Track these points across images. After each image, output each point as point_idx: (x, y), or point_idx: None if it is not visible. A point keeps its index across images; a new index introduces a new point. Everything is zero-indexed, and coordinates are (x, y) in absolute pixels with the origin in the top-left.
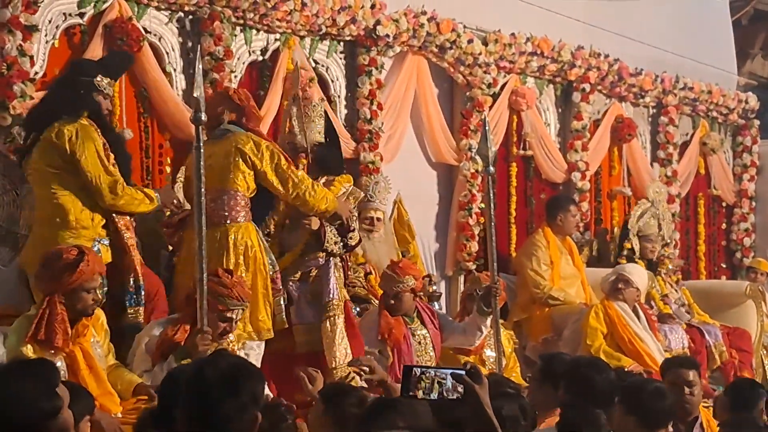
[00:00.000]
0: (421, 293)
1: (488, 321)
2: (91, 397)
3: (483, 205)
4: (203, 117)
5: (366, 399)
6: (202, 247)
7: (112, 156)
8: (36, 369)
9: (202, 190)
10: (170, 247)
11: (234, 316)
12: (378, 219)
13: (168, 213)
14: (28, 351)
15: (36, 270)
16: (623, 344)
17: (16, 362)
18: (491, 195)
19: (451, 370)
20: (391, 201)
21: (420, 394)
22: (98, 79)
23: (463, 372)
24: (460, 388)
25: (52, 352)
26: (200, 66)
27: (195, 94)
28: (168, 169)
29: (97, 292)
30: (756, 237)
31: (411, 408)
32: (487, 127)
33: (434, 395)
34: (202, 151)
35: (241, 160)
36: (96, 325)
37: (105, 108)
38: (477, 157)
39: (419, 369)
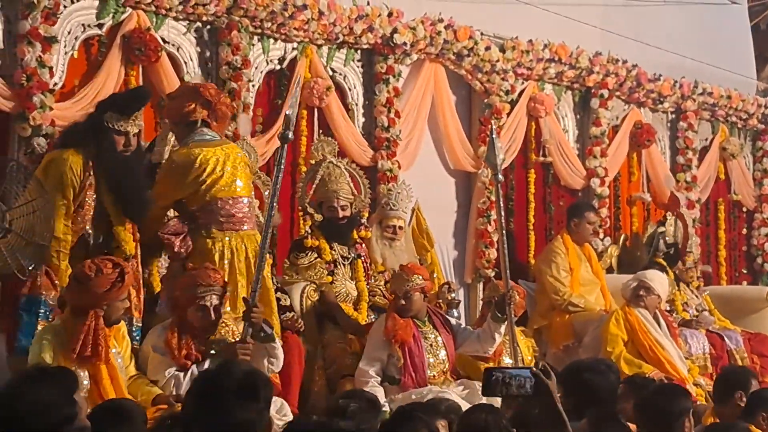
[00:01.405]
0: (440, 300)
1: (502, 328)
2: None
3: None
4: (290, 136)
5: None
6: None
7: (91, 196)
8: (55, 376)
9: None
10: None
11: (209, 303)
12: (400, 227)
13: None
14: (49, 358)
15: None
16: (644, 351)
17: (36, 369)
18: (500, 203)
19: (524, 369)
20: (410, 209)
21: (498, 393)
22: (107, 116)
23: (533, 370)
24: (532, 384)
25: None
26: (298, 89)
27: (287, 112)
28: None
29: (126, 301)
30: None
31: (432, 412)
32: (494, 136)
33: (511, 392)
34: (282, 167)
35: (248, 170)
36: (117, 336)
37: (123, 144)
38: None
39: (500, 372)
